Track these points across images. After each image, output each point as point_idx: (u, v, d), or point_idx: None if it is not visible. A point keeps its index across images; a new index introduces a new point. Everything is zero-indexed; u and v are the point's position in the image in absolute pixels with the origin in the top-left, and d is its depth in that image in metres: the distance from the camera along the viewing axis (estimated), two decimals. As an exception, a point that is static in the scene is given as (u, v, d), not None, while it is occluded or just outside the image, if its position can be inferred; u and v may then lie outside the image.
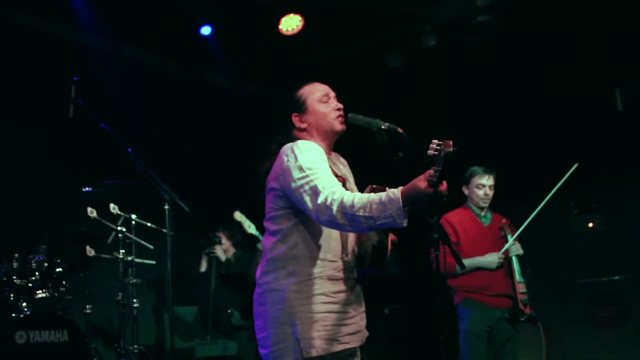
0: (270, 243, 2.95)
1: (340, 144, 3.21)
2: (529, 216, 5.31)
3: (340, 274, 2.91)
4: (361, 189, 3.14)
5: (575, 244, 7.46)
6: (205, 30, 6.61)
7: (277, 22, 6.56)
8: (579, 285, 7.40)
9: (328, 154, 3.07)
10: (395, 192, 2.58)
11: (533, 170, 7.00)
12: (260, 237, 6.05)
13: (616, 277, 7.30)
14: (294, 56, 7.26)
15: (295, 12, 6.53)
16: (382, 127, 2.94)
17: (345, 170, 3.20)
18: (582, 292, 7.41)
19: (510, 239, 5.22)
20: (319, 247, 2.88)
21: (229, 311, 6.25)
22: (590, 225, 7.66)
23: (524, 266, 5.31)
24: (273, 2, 6.59)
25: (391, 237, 3.03)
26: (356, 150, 3.35)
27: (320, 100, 3.06)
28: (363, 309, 3.05)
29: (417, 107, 7.32)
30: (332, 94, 3.11)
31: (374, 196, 2.61)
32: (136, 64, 6.84)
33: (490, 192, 5.34)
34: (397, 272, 3.15)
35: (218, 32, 6.69)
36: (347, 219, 2.63)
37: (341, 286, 2.91)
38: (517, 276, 5.23)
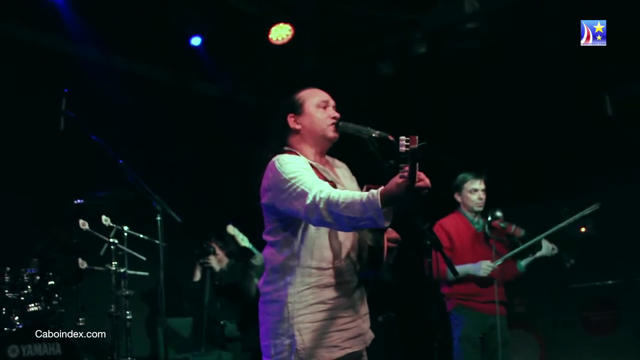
0: (270, 254, 3.02)
1: (331, 153, 3.22)
2: (521, 218, 5.33)
3: (337, 280, 2.93)
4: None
5: (568, 249, 7.47)
6: (196, 40, 6.61)
7: (267, 32, 6.57)
8: (572, 289, 7.41)
9: (320, 159, 3.12)
10: (375, 194, 2.58)
11: (524, 174, 7.02)
12: (254, 250, 6.06)
13: (610, 282, 7.31)
14: (285, 65, 7.27)
15: (285, 22, 6.54)
16: (373, 135, 2.95)
17: (340, 172, 3.22)
18: (575, 297, 7.43)
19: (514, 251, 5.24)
20: (313, 257, 2.92)
21: (222, 322, 6.23)
22: (583, 230, 7.67)
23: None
24: (263, 12, 6.60)
25: (389, 235, 3.02)
26: (347, 159, 3.35)
27: (319, 105, 3.11)
28: (365, 311, 3.07)
29: (408, 114, 7.33)
30: (332, 102, 3.16)
31: (358, 196, 2.62)
32: (127, 75, 6.83)
33: (484, 196, 5.37)
34: (390, 279, 3.14)
35: (208, 43, 6.69)
36: (333, 217, 2.66)
37: (339, 292, 2.93)
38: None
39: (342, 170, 3.24)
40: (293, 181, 2.82)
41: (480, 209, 5.37)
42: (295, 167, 2.88)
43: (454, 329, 5.24)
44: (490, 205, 5.41)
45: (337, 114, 3.11)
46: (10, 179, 5.57)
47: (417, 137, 2.43)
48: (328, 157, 3.23)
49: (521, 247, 5.26)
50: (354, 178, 3.27)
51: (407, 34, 6.88)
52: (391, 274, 3.32)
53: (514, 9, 6.41)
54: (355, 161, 3.34)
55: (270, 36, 6.57)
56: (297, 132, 3.11)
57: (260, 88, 7.72)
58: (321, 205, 2.67)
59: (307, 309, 2.88)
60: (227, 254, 6.47)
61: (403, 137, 2.45)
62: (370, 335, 3.08)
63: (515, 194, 6.53)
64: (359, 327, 2.99)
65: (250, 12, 6.61)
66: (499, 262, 5.20)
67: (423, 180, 2.52)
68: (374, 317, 3.17)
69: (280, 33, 6.56)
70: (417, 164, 2.42)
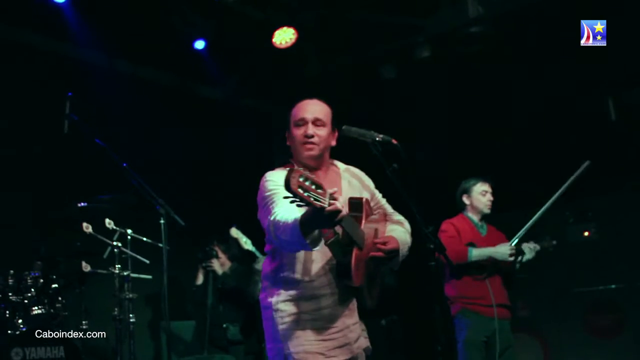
0: (265, 263, 3.19)
1: (335, 157, 3.23)
2: (525, 223, 5.31)
3: (319, 292, 3.01)
4: None
5: (571, 253, 7.46)
6: (199, 44, 6.63)
7: (271, 36, 6.58)
8: (575, 294, 7.40)
9: (316, 171, 3.11)
10: (298, 218, 2.67)
11: (529, 178, 7.02)
12: (257, 253, 6.06)
13: (613, 286, 7.30)
14: (288, 69, 7.28)
15: (289, 26, 6.55)
16: (377, 138, 2.95)
17: (347, 183, 3.21)
18: (578, 301, 7.41)
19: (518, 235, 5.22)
20: (295, 270, 3.02)
21: (224, 326, 6.23)
22: (586, 234, 7.66)
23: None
24: (266, 16, 6.61)
25: (388, 246, 3.03)
26: (351, 163, 3.36)
27: (296, 124, 3.13)
28: (353, 321, 3.09)
29: (411, 118, 7.34)
30: (311, 117, 3.09)
31: (290, 221, 2.69)
32: (131, 78, 6.84)
33: (492, 199, 5.40)
34: (393, 283, 3.15)
35: (212, 46, 6.71)
36: (278, 240, 2.81)
37: (322, 304, 3.01)
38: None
39: (349, 181, 3.23)
40: (266, 200, 2.96)
41: (489, 211, 5.39)
42: (272, 186, 2.98)
43: (458, 332, 5.23)
44: (493, 209, 5.42)
45: (309, 132, 3.06)
46: (14, 182, 5.58)
47: (296, 168, 2.52)
48: (341, 165, 3.25)
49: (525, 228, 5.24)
50: (367, 186, 3.27)
51: (410, 38, 6.89)
52: (393, 278, 3.33)
53: (517, 13, 6.41)
54: (358, 165, 3.35)
55: (273, 40, 6.58)
56: (291, 147, 3.20)
57: (264, 92, 7.73)
58: (271, 228, 2.82)
59: (290, 317, 3.00)
60: (230, 257, 6.47)
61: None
62: (359, 344, 3.10)
63: (516, 198, 6.51)
64: (345, 337, 3.04)
65: (254, 16, 6.62)
66: (515, 241, 5.19)
67: (333, 204, 2.54)
68: (378, 320, 3.20)
69: (284, 37, 6.57)
70: (307, 195, 2.45)
